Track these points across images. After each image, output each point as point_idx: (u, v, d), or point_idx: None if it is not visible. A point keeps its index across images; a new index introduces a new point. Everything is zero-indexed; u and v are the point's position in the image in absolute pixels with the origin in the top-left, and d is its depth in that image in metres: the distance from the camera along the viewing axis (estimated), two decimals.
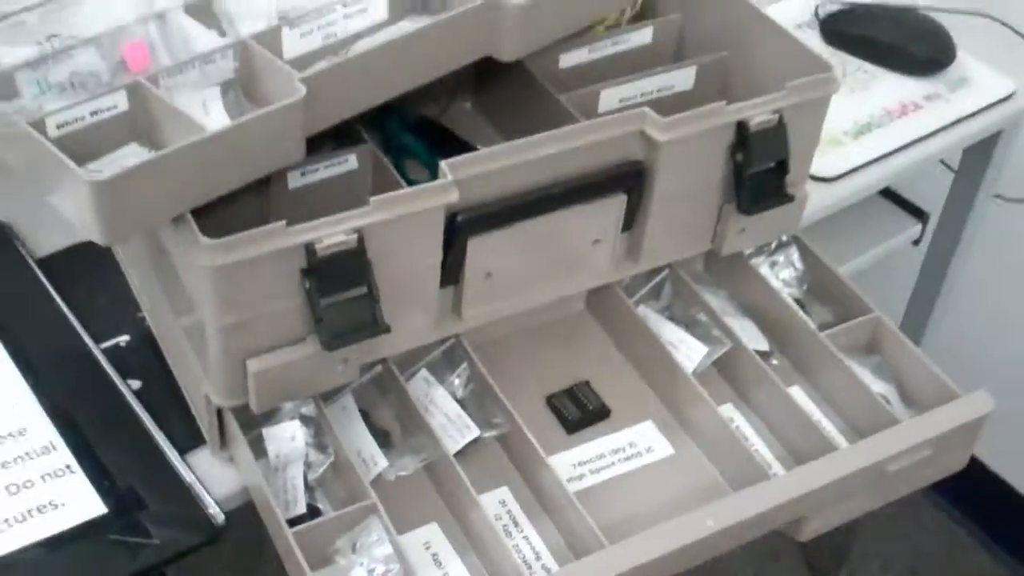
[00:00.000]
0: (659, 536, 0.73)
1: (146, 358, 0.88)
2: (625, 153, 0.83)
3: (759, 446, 0.85)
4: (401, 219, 0.74)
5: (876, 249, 1.28)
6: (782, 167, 0.87)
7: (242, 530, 0.79)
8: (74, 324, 0.89)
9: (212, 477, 0.81)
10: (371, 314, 0.75)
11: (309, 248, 0.72)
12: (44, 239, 0.96)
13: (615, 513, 0.79)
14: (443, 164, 0.76)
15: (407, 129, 0.98)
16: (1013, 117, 1.22)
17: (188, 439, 0.83)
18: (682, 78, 0.97)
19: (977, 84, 1.21)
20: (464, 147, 0.99)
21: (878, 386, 0.88)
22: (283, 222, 0.71)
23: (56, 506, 0.76)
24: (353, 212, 0.73)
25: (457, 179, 0.76)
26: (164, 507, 0.78)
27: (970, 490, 1.74)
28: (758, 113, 0.85)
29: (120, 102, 0.73)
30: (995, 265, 1.54)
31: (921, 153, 1.14)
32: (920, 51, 1.21)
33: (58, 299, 0.90)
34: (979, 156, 1.30)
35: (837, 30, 1.24)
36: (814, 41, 1.25)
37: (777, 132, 0.86)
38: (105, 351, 0.88)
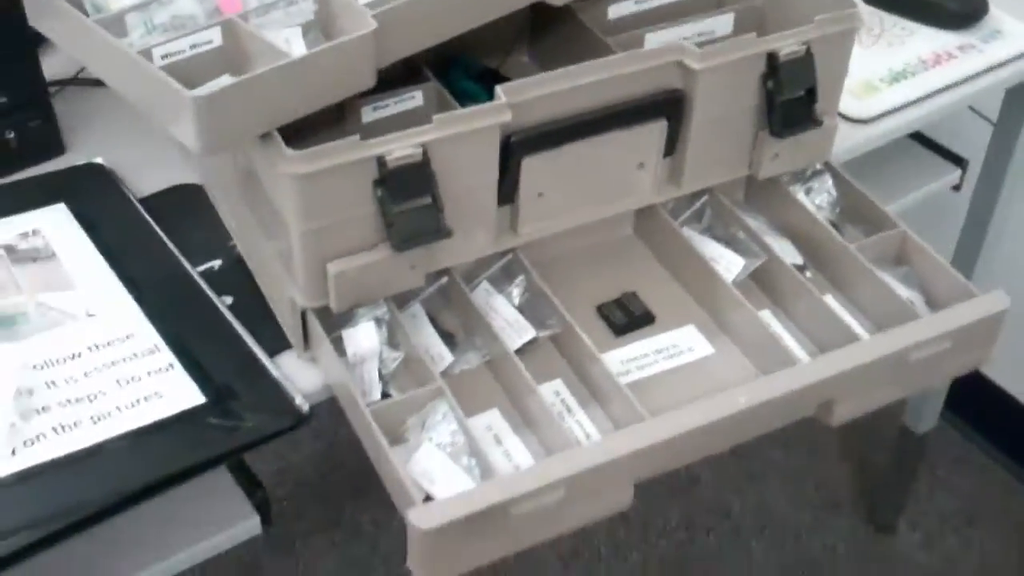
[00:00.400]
0: (695, 411, 0.81)
1: (237, 279, 0.98)
2: (665, 82, 0.92)
3: (793, 346, 0.93)
4: (460, 136, 0.84)
5: (916, 193, 1.34)
6: (811, 95, 0.95)
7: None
8: (173, 250, 0.99)
9: (297, 376, 0.90)
10: (436, 221, 0.84)
11: (380, 160, 0.81)
12: (145, 181, 1.07)
13: (659, 401, 0.87)
14: (499, 88, 0.85)
15: (469, 78, 1.08)
16: None
17: (276, 344, 0.92)
18: (721, 23, 1.05)
19: (1009, 36, 1.28)
20: None
21: (905, 292, 0.95)
22: (357, 136, 0.81)
23: (161, 396, 0.86)
24: (419, 128, 0.82)
25: (511, 102, 0.85)
26: (255, 398, 0.87)
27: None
28: (787, 44, 0.93)
29: (215, 37, 0.83)
30: None
31: (954, 97, 1.21)
32: (954, 5, 1.28)
33: (159, 231, 1.01)
34: (1016, 108, 1.36)
35: None
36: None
37: (805, 62, 0.94)
38: (201, 273, 0.98)
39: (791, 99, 0.95)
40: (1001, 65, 1.25)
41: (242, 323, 0.94)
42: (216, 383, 0.88)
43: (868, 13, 1.30)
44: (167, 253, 0.99)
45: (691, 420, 0.81)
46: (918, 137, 1.41)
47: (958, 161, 1.39)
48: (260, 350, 0.91)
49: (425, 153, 0.82)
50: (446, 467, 0.81)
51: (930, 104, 1.20)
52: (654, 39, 1.03)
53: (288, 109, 0.81)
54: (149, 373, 0.88)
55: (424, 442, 0.82)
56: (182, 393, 0.87)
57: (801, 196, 1.03)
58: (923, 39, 1.28)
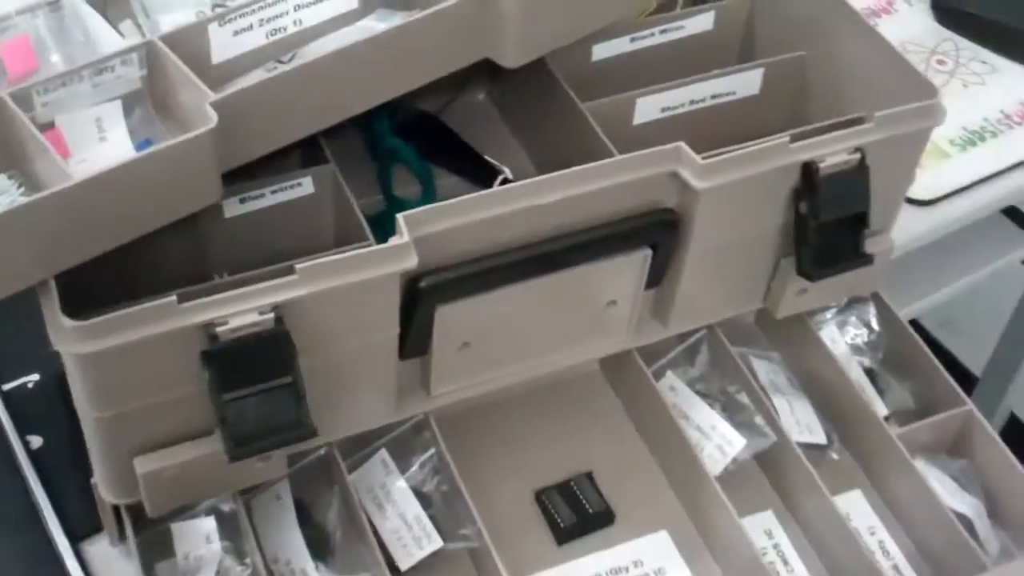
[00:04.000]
0: None
1: (52, 405, 0.72)
2: (652, 198, 0.64)
3: (800, 574, 0.67)
4: (340, 291, 0.57)
5: (979, 273, 1.06)
6: (860, 219, 0.67)
7: None
8: None
9: (109, 573, 0.66)
10: (293, 413, 0.57)
11: (210, 331, 0.55)
12: None
13: None
14: (400, 219, 0.58)
15: (399, 126, 0.80)
16: None
17: (89, 518, 0.67)
18: (745, 82, 0.77)
19: None
20: (467, 153, 0.81)
21: (961, 501, 0.69)
22: (173, 297, 0.54)
23: None
24: (270, 283, 0.55)
25: (417, 238, 0.58)
26: None
27: None
28: (832, 152, 0.65)
29: None
30: None
31: None
32: None
33: None
34: None
35: (953, 7, 1.02)
36: (922, 17, 1.03)
37: (856, 176, 0.66)
38: (7, 393, 0.73)
39: (831, 226, 0.67)
40: None
41: (48, 483, 0.69)
42: None
43: (939, 37, 1.01)
44: None
45: None
46: None
47: None
48: (61, 534, 0.66)
49: (280, 319, 0.55)
50: None
51: (1012, 180, 0.92)
52: (649, 105, 0.74)
53: (73, 250, 0.54)
54: None
55: None
56: None
57: (832, 331, 0.76)
58: (1008, 81, 0.99)
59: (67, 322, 0.53)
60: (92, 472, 0.63)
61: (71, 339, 0.53)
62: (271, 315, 0.55)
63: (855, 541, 0.66)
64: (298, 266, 0.56)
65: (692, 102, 0.76)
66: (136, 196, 0.55)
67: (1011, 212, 1.11)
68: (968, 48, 1.01)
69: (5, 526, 0.67)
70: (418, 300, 0.60)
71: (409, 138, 0.79)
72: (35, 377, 0.74)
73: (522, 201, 0.60)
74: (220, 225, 0.67)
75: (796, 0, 0.77)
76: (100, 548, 0.67)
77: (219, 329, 0.54)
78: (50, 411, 0.72)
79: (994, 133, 0.94)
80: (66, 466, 0.69)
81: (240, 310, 0.55)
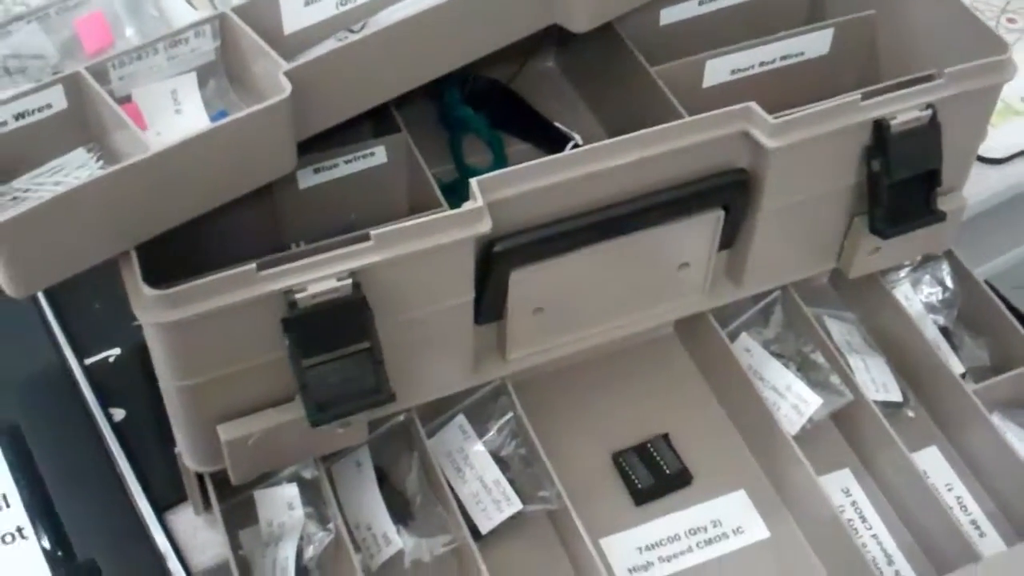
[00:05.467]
0: None
1: (135, 378, 0.73)
2: (724, 159, 0.64)
3: (878, 531, 0.67)
4: (415, 257, 0.57)
5: None
6: (932, 176, 0.67)
7: None
8: (57, 337, 0.75)
9: (194, 542, 0.67)
10: (372, 378, 0.58)
11: (289, 297, 0.55)
12: None
13: None
14: (474, 184, 0.58)
15: (468, 96, 0.80)
16: None
17: (173, 489, 0.68)
18: (814, 43, 0.76)
19: None
20: (537, 121, 0.81)
21: None
22: (253, 265, 0.55)
23: None
24: (347, 250, 0.56)
25: (491, 202, 0.58)
26: None
27: None
28: (903, 109, 0.64)
29: (56, 99, 0.57)
30: None
31: None
32: None
33: (44, 303, 0.76)
34: None
35: None
36: None
37: (928, 134, 0.65)
38: (90, 368, 0.74)
39: (903, 183, 0.66)
40: None
41: (132, 455, 0.70)
42: (76, 562, 0.64)
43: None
44: (47, 342, 0.75)
45: None
46: None
47: None
48: (147, 506, 0.68)
49: (357, 285, 0.56)
50: None
51: None
52: (719, 67, 0.74)
53: (149, 222, 0.55)
54: None
55: None
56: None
57: (906, 289, 0.76)
58: None
59: (149, 291, 0.54)
60: (175, 443, 0.64)
61: (153, 308, 0.54)
62: (348, 281, 0.56)
63: (933, 497, 0.65)
64: (373, 232, 0.56)
65: (762, 64, 0.75)
66: (213, 166, 0.56)
67: None
68: None
69: (91, 498, 0.68)
70: (492, 265, 0.61)
71: (479, 107, 0.79)
72: (116, 351, 0.75)
73: (594, 164, 0.60)
74: (295, 195, 0.68)
75: None
76: (184, 517, 0.68)
77: (298, 296, 0.55)
78: (132, 384, 0.73)
79: None
80: (149, 438, 0.70)
81: (318, 276, 0.55)
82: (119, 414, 0.72)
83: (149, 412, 0.71)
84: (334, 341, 0.57)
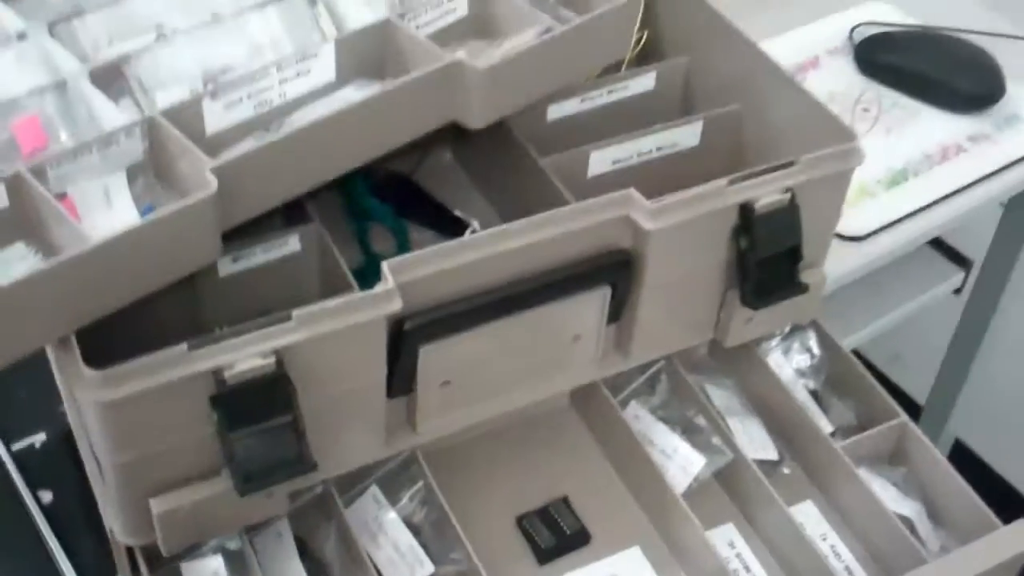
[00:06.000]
0: None
1: (62, 461, 0.77)
2: (609, 241, 0.71)
3: None
4: (332, 335, 0.62)
5: (912, 303, 1.14)
6: (794, 253, 0.75)
7: None
8: None
9: None
10: (296, 449, 0.63)
11: (217, 375, 0.60)
12: None
13: None
14: (385, 267, 0.64)
15: (373, 188, 0.86)
16: None
17: (103, 566, 0.72)
18: (686, 135, 0.84)
19: None
20: (438, 209, 0.87)
21: (903, 505, 0.76)
22: (184, 346, 0.59)
23: None
24: (270, 330, 0.61)
25: (401, 283, 0.64)
26: None
27: None
28: (766, 192, 0.72)
29: None
30: None
31: (964, 204, 1.01)
32: (966, 85, 1.08)
33: None
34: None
35: (873, 58, 1.10)
36: (847, 70, 1.11)
37: (789, 214, 0.73)
38: (17, 454, 0.77)
39: (770, 260, 0.74)
40: (1019, 161, 1.04)
41: (60, 534, 0.73)
42: None
43: (863, 87, 1.09)
44: None
45: None
46: None
47: (961, 261, 1.18)
48: None
49: (280, 362, 0.61)
50: None
51: (935, 215, 1.00)
52: (601, 158, 0.82)
53: (90, 307, 0.60)
54: None
55: None
56: None
57: (777, 357, 0.83)
58: (929, 123, 1.07)
59: (89, 372, 0.58)
60: (103, 522, 0.68)
61: (94, 388, 0.58)
62: (272, 359, 0.61)
63: (809, 547, 0.72)
64: (295, 313, 0.62)
65: (640, 154, 0.83)
66: (147, 256, 0.60)
67: (939, 245, 1.20)
68: (889, 95, 1.09)
69: None
70: (403, 341, 0.66)
71: (383, 198, 0.85)
72: (41, 436, 0.79)
73: (492, 247, 0.67)
74: (215, 283, 0.73)
75: (729, 60, 0.85)
76: None
77: (226, 373, 0.60)
78: (59, 467, 0.77)
79: (916, 172, 1.02)
80: (77, 517, 0.74)
81: (244, 355, 0.60)
82: (47, 496, 0.75)
83: (76, 493, 0.75)
84: (259, 415, 0.62)
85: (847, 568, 0.74)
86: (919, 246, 1.08)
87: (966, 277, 1.18)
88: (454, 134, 0.90)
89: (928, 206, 1.00)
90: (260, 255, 0.74)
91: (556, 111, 0.85)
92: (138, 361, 0.59)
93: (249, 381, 0.61)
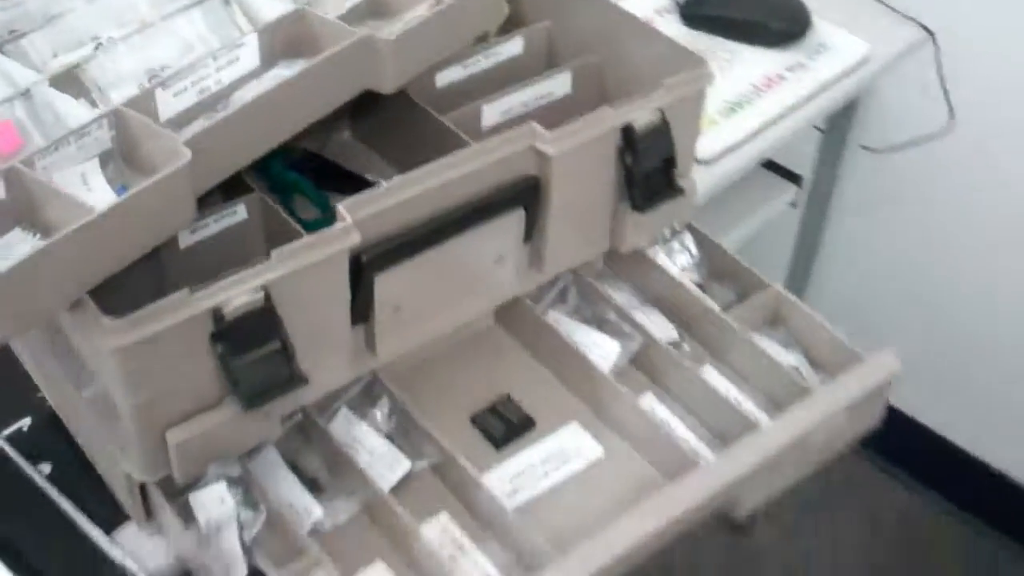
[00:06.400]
0: (602, 543, 0.74)
1: (52, 439, 0.85)
2: (518, 169, 0.83)
3: (683, 432, 0.87)
4: (307, 269, 0.73)
5: (756, 216, 1.31)
6: (670, 163, 0.89)
7: None
8: None
9: (143, 551, 0.79)
10: (288, 368, 0.74)
11: (216, 313, 0.70)
12: None
13: (557, 522, 0.80)
14: (340, 207, 0.75)
15: (291, 166, 0.97)
16: (871, 77, 1.25)
17: (111, 515, 0.81)
18: (559, 84, 0.98)
19: (834, 49, 1.25)
20: (350, 177, 0.98)
21: (788, 357, 0.90)
22: (186, 290, 0.70)
23: None
24: (256, 268, 0.72)
25: (356, 220, 0.75)
26: None
27: None
28: (641, 114, 0.86)
29: None
30: (870, 217, 1.59)
31: (791, 124, 1.17)
32: (777, 24, 1.25)
33: None
34: (843, 114, 1.34)
35: (696, 13, 1.26)
36: (675, 26, 1.27)
37: (662, 130, 0.87)
38: (8, 438, 0.85)
39: (650, 171, 0.88)
40: (833, 82, 1.22)
41: (67, 495, 0.82)
42: None
43: (691, 38, 1.25)
44: None
45: (600, 555, 0.73)
46: None
47: (793, 177, 1.35)
48: (93, 527, 0.80)
49: (268, 296, 0.72)
50: None
51: (769, 135, 1.16)
52: (492, 110, 0.94)
53: (101, 269, 0.69)
54: None
55: None
56: None
57: (663, 259, 0.97)
58: (750, 61, 1.24)
59: (109, 321, 0.68)
60: (103, 481, 0.77)
61: (114, 334, 0.68)
62: (261, 294, 0.72)
63: (719, 398, 0.86)
64: (274, 252, 0.72)
65: (524, 104, 0.96)
66: (139, 220, 0.70)
67: (774, 167, 1.37)
68: (714, 42, 1.25)
69: (43, 537, 0.79)
70: (360, 271, 0.78)
71: (301, 173, 0.96)
72: (27, 421, 0.87)
73: (424, 183, 0.78)
74: (177, 255, 0.82)
75: (586, 17, 0.98)
76: (129, 534, 0.80)
77: (224, 310, 0.70)
78: (51, 444, 0.85)
79: (749, 101, 1.18)
80: (78, 482, 0.82)
81: (237, 292, 0.71)
82: (46, 468, 0.84)
83: (73, 462, 0.83)
84: (254, 343, 0.72)
85: (750, 412, 0.88)
86: (757, 167, 1.25)
87: (799, 191, 1.35)
88: (351, 115, 1.02)
89: (760, 130, 1.16)
90: (213, 225, 0.84)
91: (443, 78, 0.97)
92: (148, 307, 0.69)
93: (243, 316, 0.71)
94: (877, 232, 1.61)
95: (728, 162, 1.12)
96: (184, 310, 0.70)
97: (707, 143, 1.12)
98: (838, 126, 1.37)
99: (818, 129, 1.39)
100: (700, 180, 1.08)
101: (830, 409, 0.83)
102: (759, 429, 0.83)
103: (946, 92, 1.34)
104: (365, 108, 1.00)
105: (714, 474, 0.79)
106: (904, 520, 1.85)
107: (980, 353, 1.62)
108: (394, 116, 0.96)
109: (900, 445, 1.83)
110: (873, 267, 1.65)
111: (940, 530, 1.83)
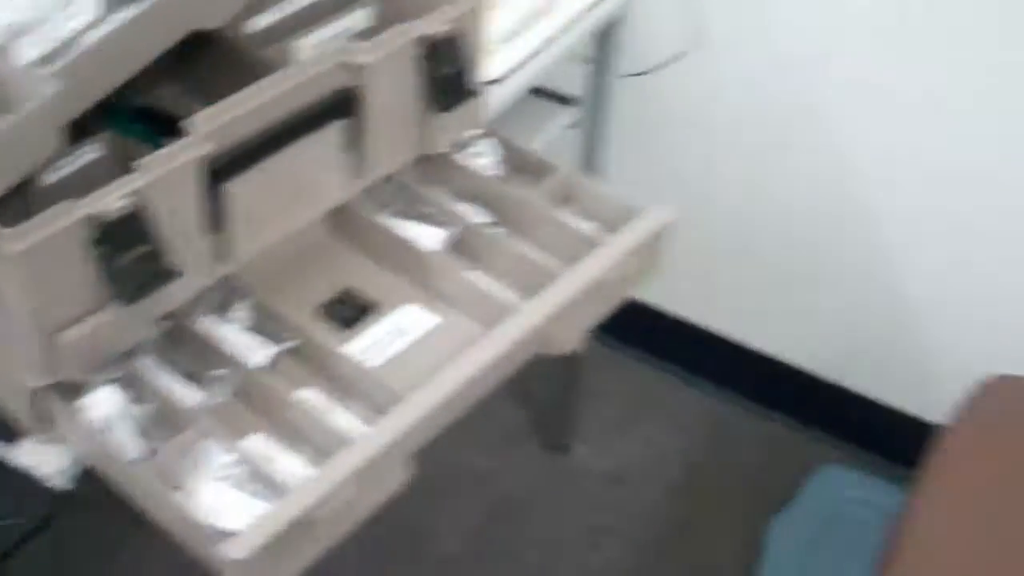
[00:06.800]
0: (447, 378, 0.88)
1: None
2: (338, 82, 0.96)
3: (506, 297, 1.01)
4: (169, 174, 0.84)
5: (543, 136, 1.47)
6: (461, 72, 1.03)
7: None
8: None
9: (41, 460, 0.89)
10: (161, 265, 0.85)
11: (93, 219, 0.81)
12: None
13: (408, 377, 0.92)
14: (189, 123, 0.86)
15: (132, 116, 1.07)
16: (623, 5, 1.44)
17: (6, 435, 0.89)
18: (362, 19, 1.11)
19: None
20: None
21: (586, 226, 1.06)
22: (69, 200, 0.80)
23: None
24: (126, 178, 0.82)
25: (209, 130, 0.86)
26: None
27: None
28: (437, 25, 1.00)
29: None
30: (639, 134, 1.78)
31: (560, 46, 1.33)
32: None
33: None
34: (605, 43, 1.52)
35: None
36: None
37: (455, 39, 1.01)
38: None
39: (448, 75, 1.02)
40: (589, 9, 1.38)
41: None
42: None
43: None
44: None
45: (447, 386, 0.87)
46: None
47: (568, 101, 1.52)
48: None
49: (137, 203, 0.83)
50: (234, 498, 0.83)
51: (545, 56, 1.31)
52: (301, 45, 1.07)
53: None
54: None
55: (203, 482, 0.83)
56: None
57: (470, 160, 1.11)
58: None
59: (6, 230, 0.77)
60: None
61: (9, 242, 0.77)
62: (132, 199, 0.82)
63: (531, 264, 1.01)
64: (137, 162, 0.83)
65: (333, 38, 1.09)
66: (15, 149, 0.80)
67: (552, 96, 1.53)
68: None
69: None
70: (213, 179, 0.89)
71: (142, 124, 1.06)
72: None
73: (259, 97, 0.90)
74: (39, 192, 0.91)
75: None
76: (24, 450, 0.89)
77: (100, 217, 0.81)
78: None
79: (524, 27, 1.34)
80: None
81: (111, 199, 0.81)
82: None
83: None
84: (129, 245, 0.83)
85: (556, 268, 1.02)
86: (536, 98, 1.41)
87: (577, 113, 1.52)
88: (182, 71, 1.13)
89: (537, 53, 1.31)
90: (74, 162, 0.93)
91: (252, 25, 1.09)
92: (37, 217, 0.78)
93: (116, 220, 0.82)
94: (651, 148, 1.80)
95: (512, 82, 1.28)
96: (70, 215, 0.80)
97: (494, 67, 1.27)
98: (602, 54, 1.54)
99: (590, 61, 1.56)
100: (495, 98, 1.24)
101: (616, 253, 0.99)
102: (560, 278, 0.98)
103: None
104: (189, 58, 1.11)
105: (523, 317, 0.94)
106: (708, 420, 2.04)
107: (750, 255, 1.81)
108: (217, 62, 1.07)
109: (701, 355, 2.02)
110: (651, 180, 1.83)
111: (740, 424, 2.03)
